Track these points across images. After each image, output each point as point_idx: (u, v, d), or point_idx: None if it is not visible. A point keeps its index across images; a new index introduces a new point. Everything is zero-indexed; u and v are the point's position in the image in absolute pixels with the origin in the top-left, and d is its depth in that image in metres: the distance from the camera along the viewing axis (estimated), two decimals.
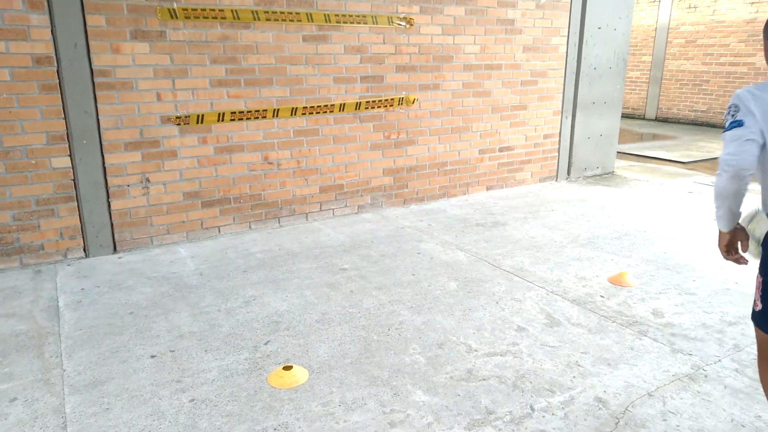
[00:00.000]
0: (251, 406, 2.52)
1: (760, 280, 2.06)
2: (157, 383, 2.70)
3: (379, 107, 5.35)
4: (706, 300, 3.56)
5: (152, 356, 2.94)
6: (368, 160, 5.46)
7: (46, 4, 3.83)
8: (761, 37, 10.95)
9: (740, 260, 2.19)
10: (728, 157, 1.90)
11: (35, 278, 3.95)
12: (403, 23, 5.25)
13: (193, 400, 2.57)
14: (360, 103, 5.22)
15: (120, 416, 2.45)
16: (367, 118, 5.33)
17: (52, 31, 3.89)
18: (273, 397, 2.59)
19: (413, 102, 5.51)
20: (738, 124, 1.91)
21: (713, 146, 9.55)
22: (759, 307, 2.07)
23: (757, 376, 2.72)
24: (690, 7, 12.33)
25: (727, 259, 2.20)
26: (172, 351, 2.99)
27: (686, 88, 12.60)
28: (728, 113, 1.97)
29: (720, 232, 2.15)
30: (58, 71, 3.96)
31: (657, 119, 13.43)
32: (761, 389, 2.60)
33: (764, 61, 9.97)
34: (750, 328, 3.18)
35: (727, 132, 1.95)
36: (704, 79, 12.14)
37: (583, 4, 6.41)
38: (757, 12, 11.16)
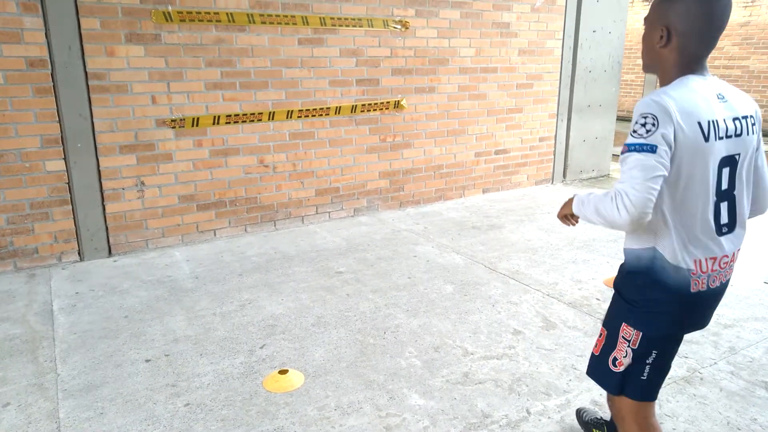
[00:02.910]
0: (246, 411, 2.51)
1: (635, 333, 1.71)
2: (151, 387, 2.68)
3: (374, 110, 5.35)
4: None
5: (147, 360, 2.92)
6: (364, 163, 5.45)
7: (40, 7, 3.82)
8: (755, 39, 11.04)
9: (573, 224, 1.93)
10: (636, 195, 1.49)
11: (29, 282, 3.93)
12: (399, 26, 5.26)
13: (188, 404, 2.55)
14: (355, 106, 5.22)
15: (114, 421, 2.44)
16: (363, 121, 5.33)
17: (46, 34, 3.87)
18: (268, 401, 2.57)
19: (399, 105, 5.51)
20: (650, 149, 1.49)
21: None
22: (622, 366, 1.75)
23: (752, 377, 2.72)
24: None
25: (562, 222, 1.95)
26: (167, 355, 2.98)
27: None
28: (640, 126, 1.53)
29: (570, 208, 1.82)
30: (52, 74, 3.95)
31: None
32: (757, 392, 2.61)
33: (758, 64, 10.04)
34: (746, 331, 3.19)
35: (633, 153, 1.52)
36: None
37: (578, 8, 6.43)
38: (750, 15, 11.23)
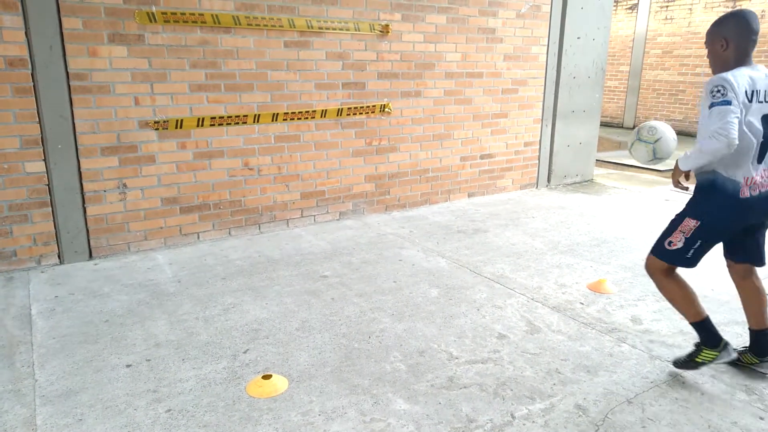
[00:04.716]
0: (229, 417, 2.47)
1: (695, 223, 2.60)
2: (132, 393, 2.63)
3: (360, 114, 5.34)
4: None
5: (128, 365, 2.87)
6: (350, 167, 5.44)
7: (20, 5, 3.75)
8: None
9: (684, 189, 2.78)
10: (725, 127, 2.36)
11: (7, 285, 3.85)
12: (381, 30, 5.26)
13: (169, 410, 2.51)
14: (342, 109, 5.21)
15: (94, 428, 2.39)
16: (349, 124, 5.32)
17: (26, 32, 3.81)
18: (252, 407, 2.55)
19: (386, 109, 5.52)
20: (727, 102, 2.39)
21: None
22: (678, 245, 2.64)
23: (733, 380, 2.75)
24: (666, 19, 12.59)
25: (676, 186, 2.77)
26: (149, 360, 2.93)
27: (663, 98, 12.84)
28: (717, 92, 2.42)
29: (678, 169, 2.65)
30: (32, 74, 3.88)
31: (635, 127, 13.63)
32: (737, 395, 2.64)
33: None
34: (727, 335, 3.21)
35: (715, 107, 2.40)
36: (680, 89, 12.39)
37: (563, 14, 6.49)
38: None
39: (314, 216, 5.36)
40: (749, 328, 2.85)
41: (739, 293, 2.89)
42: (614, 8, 13.66)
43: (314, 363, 2.91)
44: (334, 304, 3.60)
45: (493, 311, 3.52)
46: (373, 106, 5.40)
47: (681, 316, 3.44)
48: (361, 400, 2.60)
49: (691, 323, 2.76)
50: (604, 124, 13.59)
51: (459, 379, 2.77)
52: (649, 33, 13.15)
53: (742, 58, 2.54)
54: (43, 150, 4.02)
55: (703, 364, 2.73)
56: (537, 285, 3.93)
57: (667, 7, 12.57)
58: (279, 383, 2.70)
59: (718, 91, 2.41)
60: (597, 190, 6.87)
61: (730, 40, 2.53)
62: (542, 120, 6.74)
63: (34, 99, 3.92)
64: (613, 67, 13.87)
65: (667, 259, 2.68)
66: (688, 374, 2.82)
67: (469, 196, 6.39)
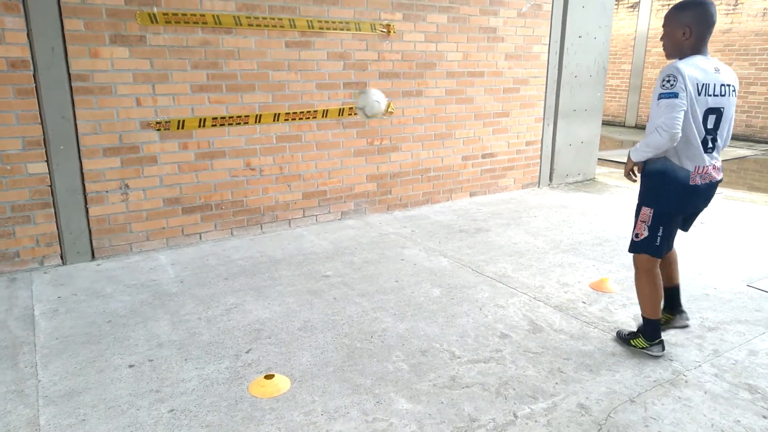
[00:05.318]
0: (232, 417, 2.48)
1: (650, 211, 2.80)
2: (135, 393, 2.64)
3: None
4: (685, 305, 3.58)
5: (130, 366, 2.88)
6: (351, 167, 5.44)
7: (21, 7, 3.76)
8: (736, 46, 11.22)
9: (634, 180, 2.94)
10: (668, 122, 2.50)
11: (10, 286, 3.86)
12: (384, 30, 5.26)
13: (172, 410, 2.52)
14: (343, 109, 5.21)
15: (96, 428, 2.40)
16: (350, 124, 5.32)
17: (28, 34, 3.82)
18: (254, 406, 2.55)
19: (387, 109, 5.52)
20: (674, 94, 2.49)
21: None
22: (644, 235, 2.82)
23: (736, 379, 2.75)
24: None
25: (627, 177, 2.92)
26: (151, 360, 2.94)
27: None
28: (666, 82, 2.52)
29: (631, 160, 2.81)
30: (34, 75, 3.89)
31: (637, 126, 13.62)
32: (740, 394, 2.64)
33: (739, 70, 10.20)
34: (729, 334, 3.22)
35: (663, 99, 2.51)
36: None
37: (564, 13, 6.48)
38: (732, 23, 11.42)
39: (316, 216, 5.36)
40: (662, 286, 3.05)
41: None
42: (616, 7, 13.65)
43: (316, 363, 2.91)
44: (336, 304, 3.60)
45: (496, 310, 3.52)
46: None
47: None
48: (364, 399, 2.60)
49: (645, 318, 2.95)
50: (605, 123, 13.57)
51: (461, 378, 2.77)
52: (651, 31, 13.13)
53: (698, 47, 2.63)
54: (46, 151, 4.03)
55: (634, 347, 2.99)
56: (539, 284, 3.93)
57: (668, 5, 12.54)
58: (281, 383, 2.70)
59: (668, 81, 2.51)
60: (599, 189, 6.86)
61: (693, 29, 2.60)
62: (544, 119, 6.74)
63: (36, 100, 3.93)
64: (614, 65, 13.85)
65: (641, 250, 2.86)
66: (691, 374, 2.81)
67: (471, 195, 6.38)
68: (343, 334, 3.21)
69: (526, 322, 3.36)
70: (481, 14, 5.87)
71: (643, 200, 2.84)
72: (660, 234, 2.80)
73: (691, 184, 2.69)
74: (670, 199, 2.74)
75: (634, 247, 2.90)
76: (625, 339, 3.06)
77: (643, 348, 2.96)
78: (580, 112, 6.98)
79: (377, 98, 4.07)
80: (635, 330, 3.07)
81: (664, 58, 13.53)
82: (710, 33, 2.64)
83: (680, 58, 2.65)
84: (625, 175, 2.93)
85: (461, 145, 6.13)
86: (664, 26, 2.71)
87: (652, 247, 2.83)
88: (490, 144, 6.37)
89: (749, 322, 3.37)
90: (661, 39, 2.76)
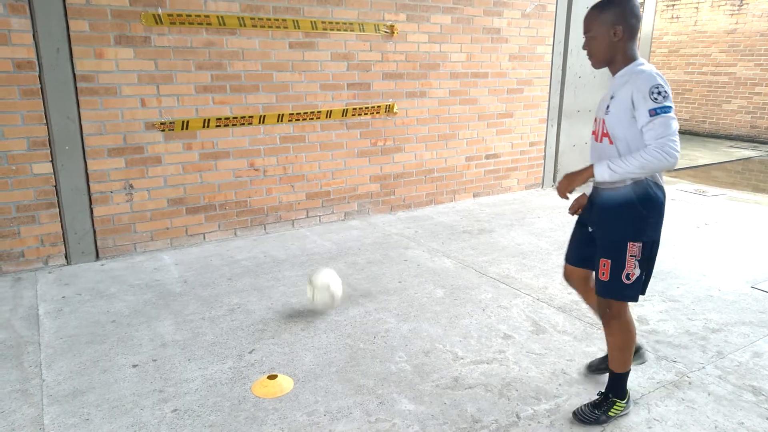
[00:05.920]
0: (235, 417, 2.48)
1: (639, 244, 2.28)
2: (138, 393, 2.65)
3: (365, 114, 5.35)
4: (689, 307, 3.59)
5: (134, 365, 2.89)
6: (355, 167, 5.45)
7: (27, 8, 3.78)
8: (741, 47, 11.17)
9: (567, 198, 2.48)
10: (674, 144, 2.08)
11: (15, 286, 3.88)
12: (387, 30, 5.26)
13: (175, 410, 2.53)
14: (347, 110, 5.22)
15: (100, 427, 2.41)
16: (354, 125, 5.33)
17: (33, 35, 3.84)
18: (257, 407, 2.55)
19: (391, 109, 5.52)
20: (668, 109, 2.10)
21: (696, 154, 9.68)
22: (634, 277, 2.30)
23: (740, 381, 2.74)
24: (672, 18, 12.53)
25: (562, 196, 2.45)
26: (155, 360, 2.95)
27: None
28: (657, 95, 2.10)
29: (581, 177, 2.32)
30: (39, 76, 3.91)
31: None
32: (744, 396, 2.63)
33: (744, 71, 10.12)
34: (733, 335, 3.21)
35: (669, 115, 2.09)
36: (687, 87, 12.32)
37: (568, 14, 6.48)
38: (737, 23, 11.37)
39: (319, 216, 5.37)
40: None
41: (586, 298, 2.69)
42: None
43: (319, 363, 2.92)
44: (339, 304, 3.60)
45: (499, 311, 3.52)
46: (378, 106, 5.40)
47: (687, 317, 3.44)
48: (367, 400, 2.60)
49: (617, 374, 2.44)
50: None
51: (464, 379, 2.77)
52: (655, 32, 13.08)
53: (633, 48, 2.27)
54: (51, 151, 4.05)
55: (614, 416, 2.43)
56: (542, 285, 3.93)
57: (673, 5, 12.51)
58: (284, 383, 2.70)
59: (659, 93, 2.09)
60: None
61: (625, 27, 2.23)
62: (548, 120, 6.73)
63: (41, 101, 3.95)
64: None
65: (631, 293, 2.32)
66: (694, 375, 2.81)
67: (475, 196, 6.38)
68: (346, 335, 3.21)
69: (529, 323, 3.36)
70: (485, 15, 5.87)
71: (626, 234, 2.27)
72: (648, 268, 2.36)
73: (665, 199, 2.31)
74: (658, 224, 2.30)
75: (621, 292, 2.31)
76: (599, 416, 2.42)
77: (622, 411, 2.45)
78: (584, 113, 6.97)
79: (334, 288, 3.39)
80: (602, 397, 2.47)
81: (665, 58, 13.34)
82: (638, 30, 2.29)
83: (617, 67, 2.28)
84: (562, 193, 2.42)
85: (465, 145, 6.13)
86: (586, 32, 2.30)
87: (639, 287, 2.34)
88: (494, 145, 6.36)
89: (753, 323, 3.36)
90: (584, 47, 2.33)
